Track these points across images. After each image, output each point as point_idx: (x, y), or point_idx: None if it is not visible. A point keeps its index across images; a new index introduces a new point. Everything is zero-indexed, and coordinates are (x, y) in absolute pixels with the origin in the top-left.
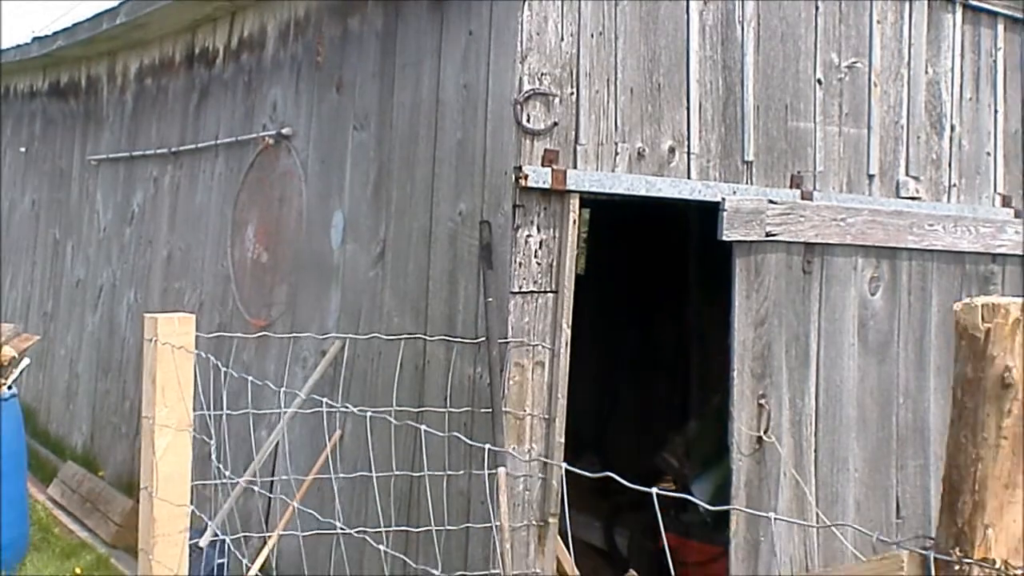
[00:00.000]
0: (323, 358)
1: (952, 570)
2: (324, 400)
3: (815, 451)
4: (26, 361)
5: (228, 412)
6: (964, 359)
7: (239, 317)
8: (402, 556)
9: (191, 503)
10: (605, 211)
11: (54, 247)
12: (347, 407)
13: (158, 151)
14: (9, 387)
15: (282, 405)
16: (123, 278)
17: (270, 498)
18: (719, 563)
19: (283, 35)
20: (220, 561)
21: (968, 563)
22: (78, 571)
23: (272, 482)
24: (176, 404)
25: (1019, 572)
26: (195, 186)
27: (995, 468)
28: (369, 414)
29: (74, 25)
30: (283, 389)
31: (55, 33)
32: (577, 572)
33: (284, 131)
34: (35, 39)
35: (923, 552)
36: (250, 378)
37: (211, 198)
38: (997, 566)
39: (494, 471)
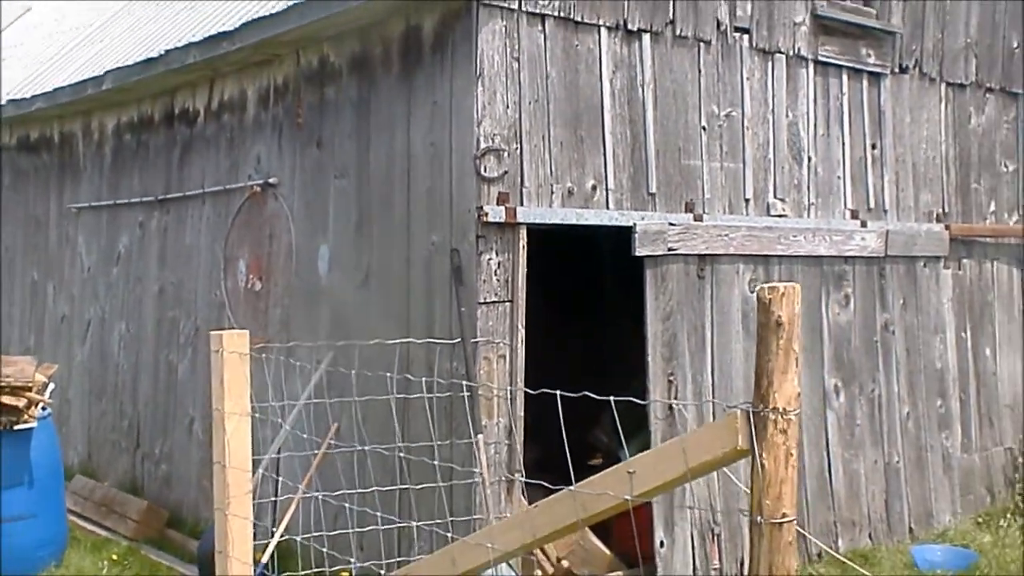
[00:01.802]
0: (319, 366)
1: (759, 417)
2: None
3: (712, 415)
4: (52, 385)
5: (274, 403)
6: (760, 312)
7: None
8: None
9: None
10: (529, 236)
11: (32, 287)
12: (359, 371)
13: (144, 199)
14: (44, 408)
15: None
16: (112, 312)
17: (278, 480)
18: (645, 506)
19: (263, 99)
20: None
21: (767, 411)
22: (114, 558)
23: (279, 463)
24: (238, 398)
25: (791, 411)
26: (183, 229)
27: (776, 365)
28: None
29: (55, 90)
30: (320, 363)
31: (33, 96)
32: None
33: (271, 180)
34: (10, 101)
35: (745, 409)
36: (295, 362)
37: (200, 239)
38: (780, 410)
39: (471, 440)
